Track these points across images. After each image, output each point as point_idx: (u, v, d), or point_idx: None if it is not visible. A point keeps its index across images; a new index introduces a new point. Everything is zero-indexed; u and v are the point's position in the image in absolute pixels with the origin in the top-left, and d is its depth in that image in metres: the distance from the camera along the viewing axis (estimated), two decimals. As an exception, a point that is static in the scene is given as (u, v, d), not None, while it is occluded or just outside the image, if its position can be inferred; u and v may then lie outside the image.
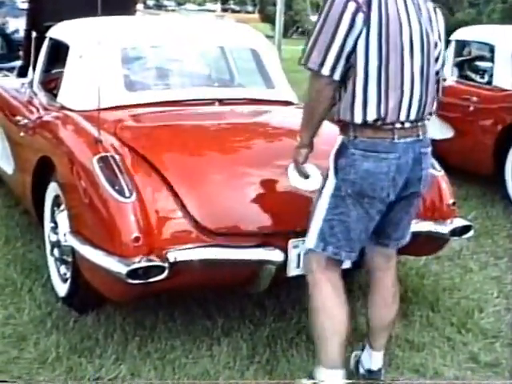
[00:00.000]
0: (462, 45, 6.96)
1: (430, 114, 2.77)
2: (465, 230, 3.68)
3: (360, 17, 2.52)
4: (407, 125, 2.66)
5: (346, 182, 2.66)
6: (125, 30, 4.55)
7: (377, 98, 2.58)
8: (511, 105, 5.94)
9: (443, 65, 2.78)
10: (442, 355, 3.46)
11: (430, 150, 2.81)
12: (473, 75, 6.71)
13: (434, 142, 7.04)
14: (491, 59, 6.39)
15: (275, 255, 3.14)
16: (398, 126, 2.64)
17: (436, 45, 2.73)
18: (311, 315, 2.86)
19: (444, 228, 3.59)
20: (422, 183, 2.79)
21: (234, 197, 3.30)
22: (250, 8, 70.49)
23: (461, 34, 7.00)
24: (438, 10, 2.77)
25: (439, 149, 6.37)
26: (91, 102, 3.68)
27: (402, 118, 2.62)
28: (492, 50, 6.39)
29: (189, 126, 3.95)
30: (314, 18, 51.18)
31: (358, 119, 2.61)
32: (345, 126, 2.67)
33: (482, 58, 6.79)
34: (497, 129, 5.94)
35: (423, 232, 3.49)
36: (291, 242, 3.17)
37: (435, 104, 2.80)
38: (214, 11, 63.93)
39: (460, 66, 6.84)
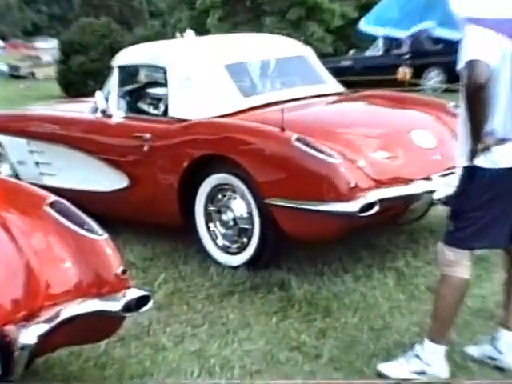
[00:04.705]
0: (128, 71, 6.22)
1: None
2: (143, 300, 3.38)
3: None
4: None
5: None
6: None
7: None
8: (194, 137, 5.33)
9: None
10: None
11: None
12: (145, 107, 5.98)
13: (104, 194, 6.21)
14: (164, 85, 5.73)
15: None
16: None
17: None
18: None
19: (115, 304, 3.28)
20: None
21: None
22: None
23: (124, 57, 6.19)
24: None
25: (111, 202, 5.84)
26: None
27: None
28: (164, 73, 5.72)
29: None
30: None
31: None
32: None
33: (154, 85, 6.11)
34: (181, 168, 5.27)
35: (89, 313, 3.21)
36: None
37: None
38: None
39: (129, 96, 6.09)
